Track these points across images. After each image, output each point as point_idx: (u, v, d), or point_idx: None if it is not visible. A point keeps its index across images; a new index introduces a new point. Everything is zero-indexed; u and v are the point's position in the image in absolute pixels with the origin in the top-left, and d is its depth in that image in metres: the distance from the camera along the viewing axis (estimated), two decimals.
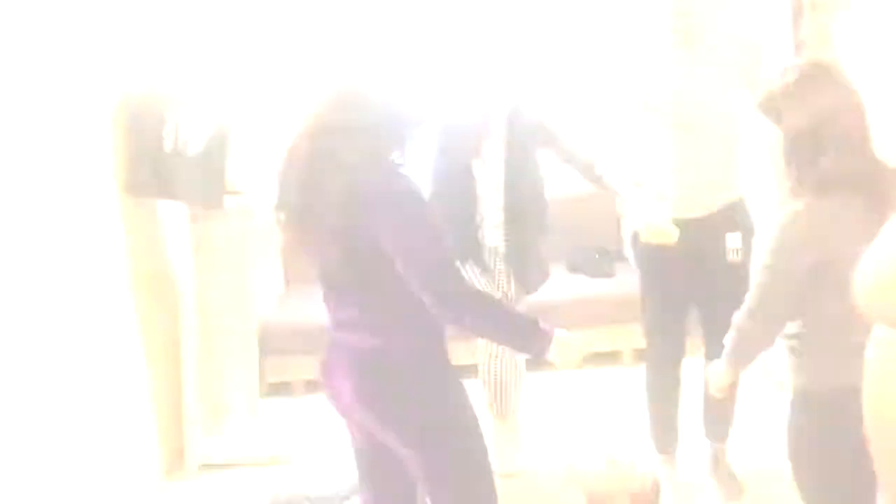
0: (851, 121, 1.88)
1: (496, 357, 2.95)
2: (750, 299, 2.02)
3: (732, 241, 2.77)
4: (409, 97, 1.90)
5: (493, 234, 2.95)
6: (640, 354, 3.94)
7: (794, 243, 1.89)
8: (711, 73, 2.66)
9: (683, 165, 2.75)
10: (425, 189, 2.89)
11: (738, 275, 2.81)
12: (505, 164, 2.87)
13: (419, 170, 1.99)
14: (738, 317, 2.07)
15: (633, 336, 4.01)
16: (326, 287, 2.03)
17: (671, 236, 2.58)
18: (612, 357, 4.32)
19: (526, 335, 1.95)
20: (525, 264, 3.01)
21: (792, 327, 2.00)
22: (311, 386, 4.16)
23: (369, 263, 1.87)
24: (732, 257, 2.77)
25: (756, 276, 1.99)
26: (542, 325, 1.94)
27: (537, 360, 2.04)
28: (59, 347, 2.81)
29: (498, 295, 2.96)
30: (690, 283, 2.84)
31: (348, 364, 1.97)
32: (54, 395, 2.76)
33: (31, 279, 2.68)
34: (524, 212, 2.94)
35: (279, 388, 4.33)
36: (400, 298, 1.87)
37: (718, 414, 3.05)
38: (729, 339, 2.11)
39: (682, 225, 2.73)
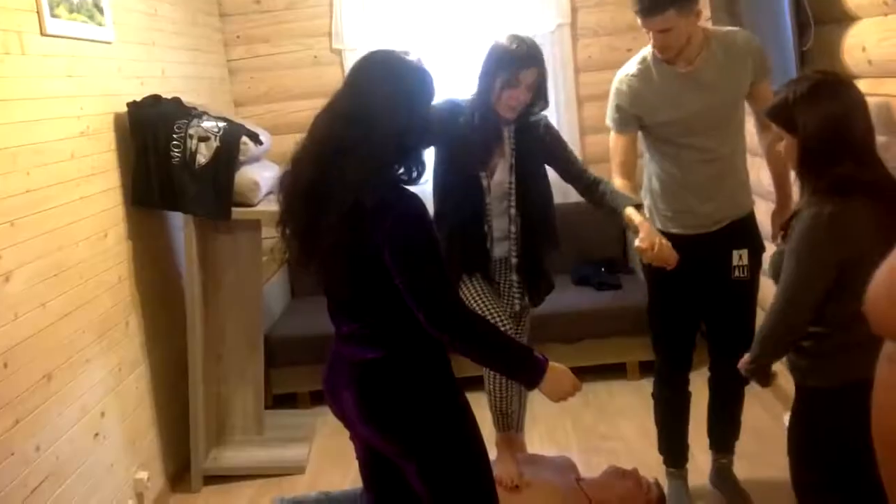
0: (862, 128, 1.92)
1: None
2: (779, 300, 2.03)
3: (739, 257, 2.76)
4: (415, 111, 1.89)
5: (500, 246, 2.94)
6: (646, 367, 3.94)
7: (823, 244, 1.91)
8: (712, 87, 2.65)
9: (689, 182, 2.75)
10: (433, 200, 2.90)
11: (745, 290, 2.82)
12: (515, 177, 2.86)
13: (425, 181, 1.97)
14: (768, 317, 2.07)
15: (639, 348, 4.02)
16: (330, 300, 2.03)
17: (671, 261, 2.58)
18: (617, 369, 4.31)
19: (518, 365, 1.93)
20: (534, 276, 3.01)
21: (809, 328, 2.01)
22: (316, 397, 4.17)
23: (372, 279, 1.87)
24: (739, 274, 2.76)
25: (785, 275, 1.99)
26: (537, 356, 1.92)
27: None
28: (64, 356, 2.83)
29: (505, 307, 2.95)
30: (698, 298, 2.84)
31: (349, 376, 1.97)
32: (59, 404, 2.77)
33: (40, 289, 2.70)
34: (535, 224, 2.93)
35: (285, 400, 4.34)
36: (402, 313, 1.86)
37: (725, 426, 3.05)
38: (758, 340, 2.12)
39: (689, 241, 2.74)
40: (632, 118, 2.76)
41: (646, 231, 2.60)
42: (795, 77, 2.03)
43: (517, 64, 2.70)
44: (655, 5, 2.49)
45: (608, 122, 2.83)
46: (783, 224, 2.08)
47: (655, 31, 2.56)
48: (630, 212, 2.68)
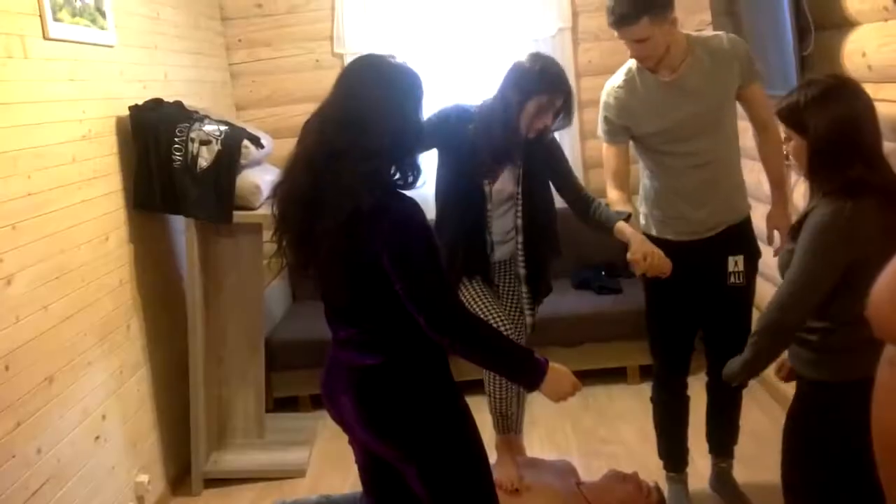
0: (871, 132, 1.95)
1: None
2: (784, 294, 2.03)
3: (735, 264, 2.76)
4: (406, 114, 1.88)
5: (500, 249, 2.95)
6: (646, 371, 3.94)
7: (835, 246, 1.93)
8: (698, 93, 2.64)
9: (681, 189, 2.74)
10: (436, 203, 2.90)
11: (741, 296, 2.82)
12: (522, 188, 2.87)
13: (421, 184, 1.94)
14: (765, 316, 2.07)
15: (639, 352, 4.01)
16: (327, 306, 2.04)
17: (665, 269, 2.58)
18: (618, 373, 4.31)
19: (519, 367, 1.93)
20: (535, 281, 3.02)
21: (814, 323, 2.03)
22: (317, 401, 4.17)
23: (370, 284, 1.87)
24: (735, 280, 2.76)
25: (793, 272, 2.00)
26: (537, 357, 1.93)
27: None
28: (65, 359, 2.83)
29: (506, 309, 2.96)
30: (694, 304, 2.84)
31: (347, 382, 1.97)
32: (60, 407, 2.78)
33: (41, 292, 2.70)
34: (539, 233, 2.94)
35: (286, 403, 4.34)
36: (400, 318, 1.86)
37: (723, 430, 3.05)
38: (757, 333, 2.11)
39: (685, 247, 2.74)
40: (620, 129, 2.76)
41: (637, 243, 2.60)
42: (806, 80, 2.04)
43: (552, 91, 2.69)
44: (628, 15, 2.50)
45: (599, 133, 2.83)
46: (794, 225, 2.10)
47: (631, 41, 2.57)
48: (620, 226, 2.68)
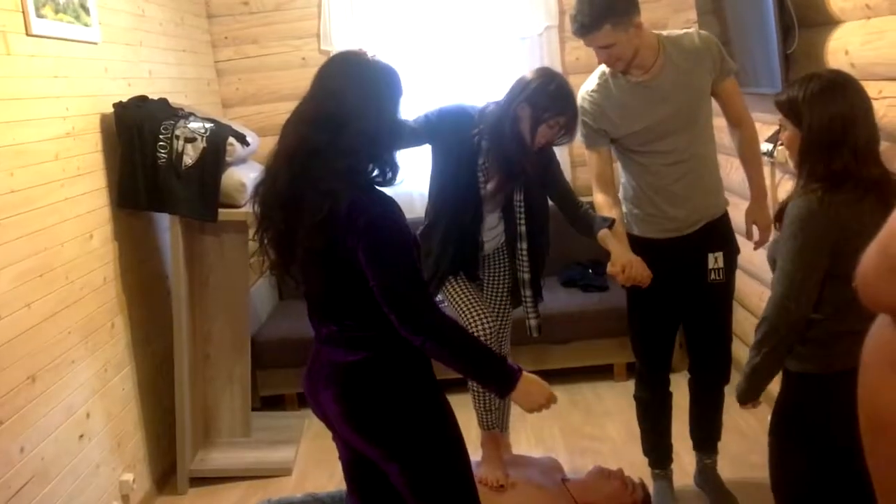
0: (866, 131, 1.98)
1: None
2: (779, 291, 2.03)
3: (714, 260, 2.77)
4: (384, 112, 1.88)
5: (486, 245, 2.97)
6: (633, 368, 3.95)
7: (814, 225, 1.95)
8: (671, 93, 2.65)
9: (661, 187, 2.75)
10: (429, 201, 2.91)
11: (720, 293, 2.83)
12: (524, 192, 2.88)
13: (400, 182, 1.94)
14: (766, 317, 2.07)
15: (625, 350, 4.01)
16: (310, 304, 2.03)
17: (644, 280, 2.60)
18: (604, 371, 4.32)
19: (490, 372, 1.92)
20: (539, 284, 3.04)
21: None
22: (304, 399, 4.15)
23: (350, 282, 1.87)
24: (715, 277, 2.78)
25: (782, 267, 2.01)
26: (510, 364, 1.92)
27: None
28: (49, 357, 2.82)
29: (488, 303, 2.97)
30: (675, 301, 2.85)
31: (329, 379, 1.97)
32: (44, 405, 2.76)
33: (24, 289, 2.69)
34: (535, 236, 2.95)
35: (272, 401, 4.33)
36: (381, 315, 1.85)
37: (707, 426, 3.06)
38: (761, 333, 2.10)
39: (665, 245, 2.75)
40: (599, 133, 2.76)
41: (616, 254, 2.62)
42: (808, 74, 2.06)
43: (565, 113, 2.68)
44: (590, 23, 2.51)
45: (579, 137, 2.82)
46: (776, 214, 2.11)
47: (597, 47, 2.58)
48: (602, 235, 2.69)
